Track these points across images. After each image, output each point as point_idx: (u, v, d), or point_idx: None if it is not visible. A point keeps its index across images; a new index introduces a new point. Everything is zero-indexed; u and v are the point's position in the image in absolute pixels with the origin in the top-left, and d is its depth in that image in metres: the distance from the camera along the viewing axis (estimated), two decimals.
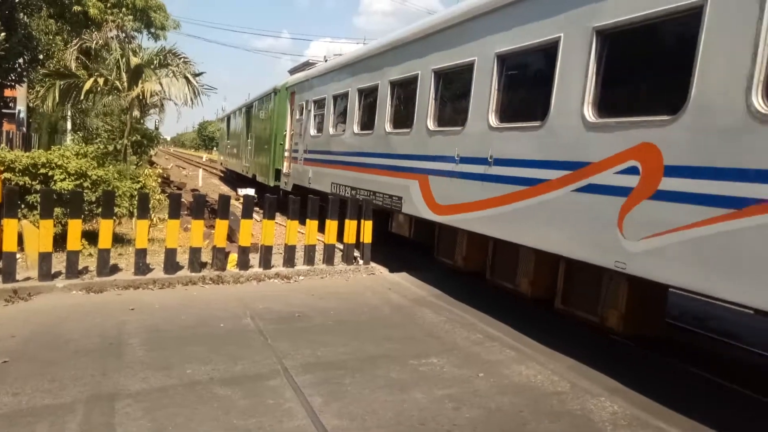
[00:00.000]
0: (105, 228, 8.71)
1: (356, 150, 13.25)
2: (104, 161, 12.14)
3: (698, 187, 5.29)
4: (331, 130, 14.97)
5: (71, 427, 4.48)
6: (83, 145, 13.91)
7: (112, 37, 20.11)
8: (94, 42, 18.51)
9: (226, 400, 5.12)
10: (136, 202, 9.68)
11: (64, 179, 9.88)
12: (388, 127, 11.62)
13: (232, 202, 13.02)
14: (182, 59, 18.63)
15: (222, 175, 42.10)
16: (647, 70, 6.42)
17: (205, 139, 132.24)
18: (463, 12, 9.22)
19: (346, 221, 11.09)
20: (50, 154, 10.36)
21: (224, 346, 6.47)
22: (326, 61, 17.95)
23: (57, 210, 9.41)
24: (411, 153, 10.62)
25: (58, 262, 8.72)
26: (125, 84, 16.96)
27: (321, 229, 11.00)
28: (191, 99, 17.72)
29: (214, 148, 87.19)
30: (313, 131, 16.53)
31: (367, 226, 11.23)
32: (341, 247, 11.31)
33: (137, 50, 19.42)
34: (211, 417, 4.78)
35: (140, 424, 4.59)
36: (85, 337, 6.44)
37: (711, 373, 6.58)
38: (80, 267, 8.71)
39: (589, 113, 6.57)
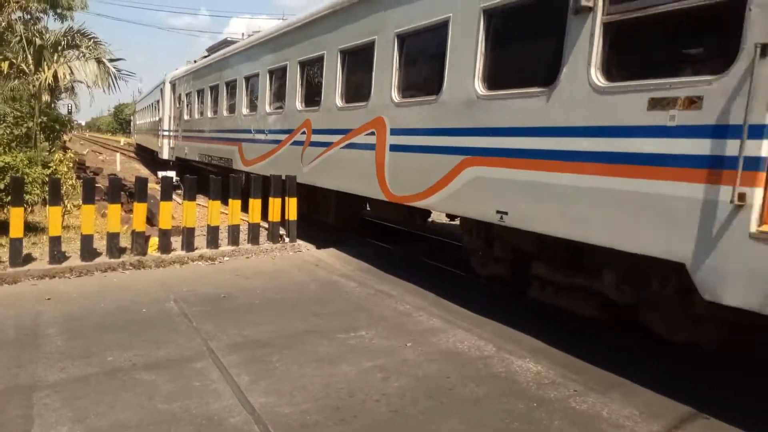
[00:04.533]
0: (15, 216, 8.31)
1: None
2: (10, 147, 11.56)
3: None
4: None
5: None
6: None
7: (15, 19, 19.11)
8: None
9: (150, 385, 5.00)
10: (48, 189, 9.28)
11: None
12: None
13: (151, 185, 12.67)
14: (92, 40, 17.91)
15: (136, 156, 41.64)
16: None
17: (122, 122, 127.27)
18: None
19: (270, 199, 10.95)
20: None
21: (147, 331, 6.31)
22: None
23: None
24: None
25: None
26: (32, 67, 16.19)
27: (245, 208, 10.83)
28: (108, 83, 17.12)
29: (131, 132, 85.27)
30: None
31: (292, 203, 11.13)
32: (266, 225, 11.18)
33: (43, 32, 18.54)
34: (134, 403, 4.66)
35: (60, 414, 4.44)
36: None
37: (629, 329, 6.86)
38: None
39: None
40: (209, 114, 18.84)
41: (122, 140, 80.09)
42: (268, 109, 13.69)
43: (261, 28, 17.55)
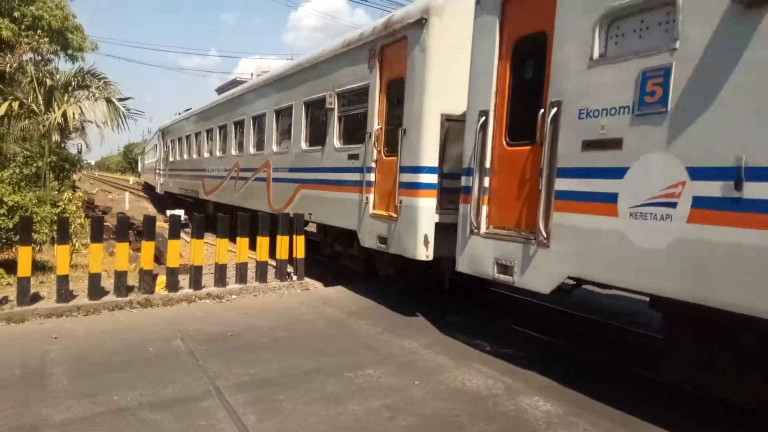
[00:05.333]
0: (23, 255, 8.35)
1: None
2: (20, 187, 11.66)
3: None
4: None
5: None
6: None
7: (27, 60, 19.45)
8: (8, 65, 17.91)
9: (156, 424, 4.96)
10: (56, 228, 9.32)
11: None
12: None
13: (160, 223, 12.72)
14: (102, 80, 18.19)
15: (147, 196, 41.83)
16: None
17: (131, 161, 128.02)
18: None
19: (278, 237, 10.97)
20: None
21: (153, 370, 6.27)
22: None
23: None
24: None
25: None
26: (42, 107, 16.42)
27: (252, 246, 10.85)
28: (117, 123, 17.36)
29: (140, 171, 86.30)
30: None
31: (300, 241, 11.13)
32: (274, 263, 11.18)
33: (54, 72, 18.83)
34: None
35: None
36: (5, 369, 6.13)
37: (636, 365, 6.79)
38: None
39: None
40: (185, 156, 25.31)
41: (131, 179, 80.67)
42: (218, 154, 19.50)
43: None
